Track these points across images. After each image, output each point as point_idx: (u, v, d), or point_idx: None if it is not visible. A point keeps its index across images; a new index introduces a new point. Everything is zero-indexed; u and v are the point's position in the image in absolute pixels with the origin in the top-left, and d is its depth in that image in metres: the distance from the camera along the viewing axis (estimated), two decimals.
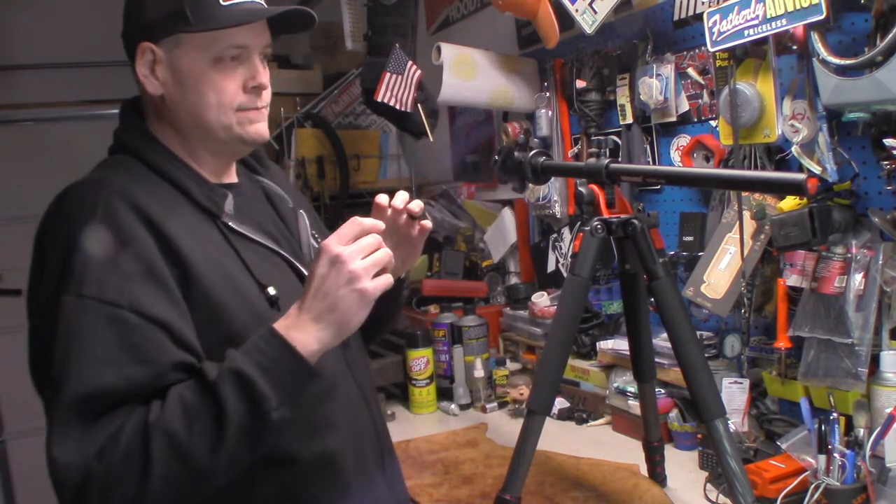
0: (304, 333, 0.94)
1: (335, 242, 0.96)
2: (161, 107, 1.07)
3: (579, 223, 1.41)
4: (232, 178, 1.16)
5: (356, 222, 0.98)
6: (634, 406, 1.79)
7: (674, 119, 1.88)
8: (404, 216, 1.19)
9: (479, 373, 2.15)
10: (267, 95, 1.09)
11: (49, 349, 0.91)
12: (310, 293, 0.95)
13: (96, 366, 0.88)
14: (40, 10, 3.39)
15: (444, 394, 2.24)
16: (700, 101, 1.82)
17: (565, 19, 1.93)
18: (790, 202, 1.50)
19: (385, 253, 0.98)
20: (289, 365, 0.93)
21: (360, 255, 0.95)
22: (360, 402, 1.16)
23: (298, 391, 0.95)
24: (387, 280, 0.97)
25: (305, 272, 1.11)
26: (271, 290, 1.04)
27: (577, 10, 1.87)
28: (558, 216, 2.31)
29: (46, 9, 3.40)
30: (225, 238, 1.04)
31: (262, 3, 1.06)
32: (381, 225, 1.00)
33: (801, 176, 1.07)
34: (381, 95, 2.21)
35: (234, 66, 1.04)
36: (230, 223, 1.06)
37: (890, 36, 1.26)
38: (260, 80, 1.06)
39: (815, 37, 1.39)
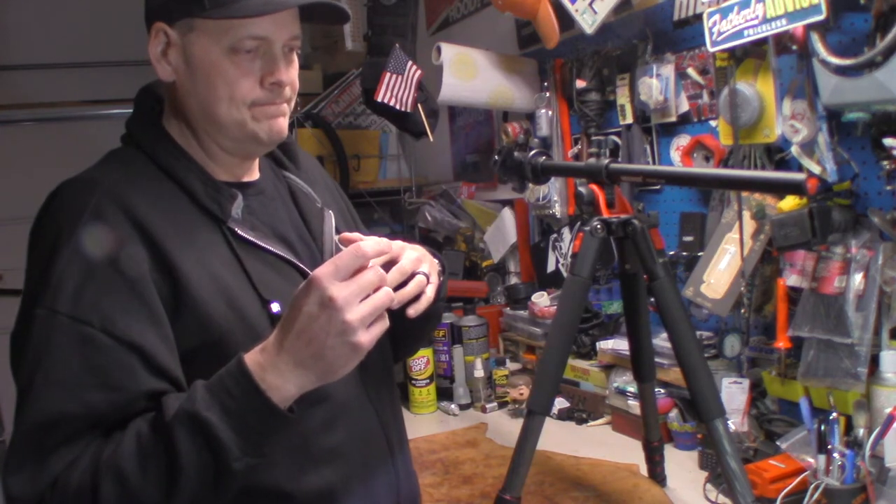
0: (282, 378, 0.82)
1: (330, 278, 0.81)
2: (173, 94, 0.99)
3: (579, 223, 1.42)
4: (252, 175, 1.06)
5: (359, 253, 0.82)
6: (634, 406, 1.79)
7: (674, 119, 1.88)
8: None
9: (479, 373, 2.15)
10: (289, 92, 0.98)
11: (19, 361, 0.86)
12: (293, 331, 0.82)
13: (58, 390, 0.82)
14: (41, 10, 3.39)
15: (444, 394, 2.24)
16: (700, 101, 1.82)
17: (565, 19, 1.93)
18: (790, 202, 1.50)
19: (386, 295, 0.84)
20: (258, 411, 0.81)
21: (358, 297, 0.81)
22: (376, 427, 1.05)
23: (268, 439, 0.84)
24: (382, 326, 0.84)
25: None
26: (274, 307, 0.93)
27: (577, 10, 1.87)
28: (558, 216, 2.31)
29: (47, 8, 3.40)
30: (229, 245, 0.95)
31: None
32: (386, 247, 0.88)
33: (800, 176, 1.07)
34: (381, 95, 2.21)
35: (251, 58, 0.93)
36: (236, 229, 0.96)
37: (890, 36, 1.26)
38: (278, 77, 0.95)
39: (815, 37, 1.39)
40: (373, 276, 0.83)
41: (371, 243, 0.85)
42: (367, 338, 0.82)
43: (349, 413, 1.01)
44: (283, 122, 1.00)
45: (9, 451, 0.83)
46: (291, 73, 0.99)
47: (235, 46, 0.92)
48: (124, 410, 0.85)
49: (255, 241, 0.98)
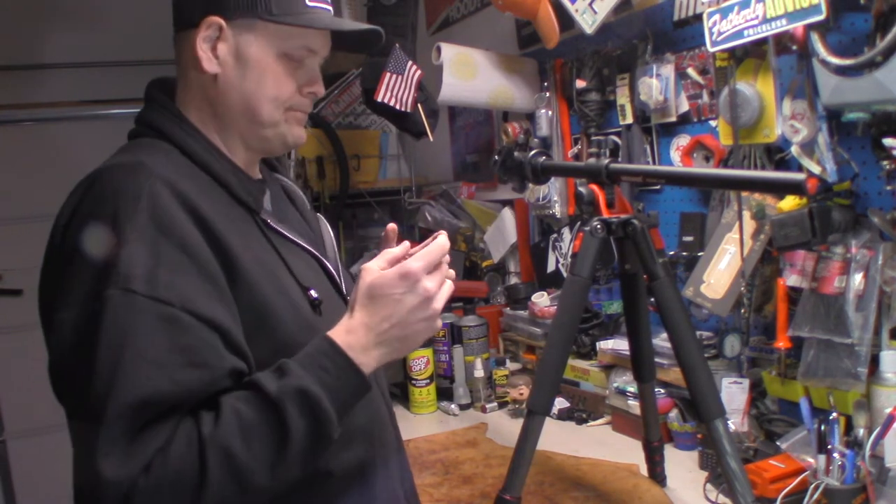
0: (368, 356, 0.90)
1: (423, 271, 0.91)
2: (207, 87, 0.99)
3: (579, 223, 1.42)
4: (257, 174, 1.09)
5: (444, 247, 0.94)
6: (634, 406, 1.79)
7: (674, 119, 1.88)
8: None
9: (479, 373, 2.15)
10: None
11: (83, 346, 0.81)
12: (382, 316, 0.90)
13: (149, 369, 0.80)
14: (41, 10, 3.38)
15: (444, 394, 2.24)
16: (700, 101, 1.82)
17: (565, 19, 1.93)
18: (790, 202, 1.50)
19: (451, 285, 0.96)
20: (352, 385, 0.89)
21: (440, 286, 0.93)
22: (383, 407, 1.11)
23: (351, 412, 0.91)
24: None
25: (335, 274, 1.09)
26: (313, 293, 0.99)
27: (577, 10, 1.87)
28: (558, 216, 2.31)
29: (47, 9, 3.40)
30: (264, 235, 0.98)
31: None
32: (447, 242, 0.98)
33: (800, 176, 1.07)
34: (381, 95, 2.21)
35: (296, 66, 1.00)
36: (269, 220, 1.00)
37: (890, 36, 1.26)
38: (317, 89, 1.03)
39: (815, 37, 1.39)
40: (445, 267, 0.95)
41: (445, 238, 0.96)
42: (441, 322, 0.96)
43: (370, 396, 1.04)
44: (304, 131, 1.06)
45: (100, 433, 0.79)
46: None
47: (289, 53, 0.99)
48: (211, 388, 0.85)
49: (285, 232, 1.02)
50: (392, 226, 1.10)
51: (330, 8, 1.03)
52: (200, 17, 0.96)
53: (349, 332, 0.90)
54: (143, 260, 0.83)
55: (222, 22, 0.96)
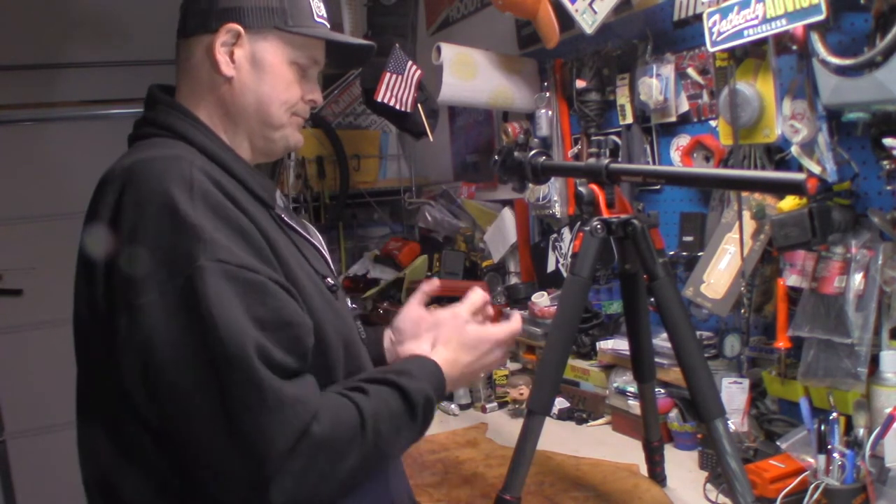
0: (452, 385, 1.12)
1: (509, 337, 1.19)
2: (220, 89, 1.03)
3: (579, 223, 1.41)
4: None
5: (518, 329, 1.21)
6: (634, 406, 1.79)
7: (674, 119, 1.88)
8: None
9: None
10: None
11: (187, 316, 0.84)
12: (472, 360, 1.15)
13: (260, 326, 0.86)
14: (42, 10, 3.38)
15: None
16: (700, 101, 1.82)
17: (565, 19, 1.93)
18: (790, 202, 1.50)
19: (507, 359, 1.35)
20: (440, 399, 1.09)
21: (505, 357, 1.22)
22: None
23: None
24: None
25: (332, 268, 1.16)
26: (329, 280, 1.07)
27: (577, 10, 1.87)
28: (558, 216, 2.31)
29: (47, 8, 3.40)
30: (280, 228, 1.04)
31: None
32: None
33: (800, 176, 1.07)
34: (381, 95, 2.21)
35: (300, 75, 1.08)
36: (282, 215, 1.07)
37: (890, 36, 1.26)
38: (316, 98, 1.12)
39: (814, 37, 1.39)
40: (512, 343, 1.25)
41: (519, 320, 1.23)
42: None
43: None
44: (301, 135, 1.13)
45: (253, 375, 0.84)
46: None
47: (297, 61, 1.07)
48: (307, 343, 0.93)
49: (295, 226, 1.09)
50: (435, 281, 1.33)
51: (328, 25, 1.12)
52: (219, 24, 1.02)
53: (450, 365, 1.11)
54: (217, 234, 0.87)
55: (241, 29, 1.02)
